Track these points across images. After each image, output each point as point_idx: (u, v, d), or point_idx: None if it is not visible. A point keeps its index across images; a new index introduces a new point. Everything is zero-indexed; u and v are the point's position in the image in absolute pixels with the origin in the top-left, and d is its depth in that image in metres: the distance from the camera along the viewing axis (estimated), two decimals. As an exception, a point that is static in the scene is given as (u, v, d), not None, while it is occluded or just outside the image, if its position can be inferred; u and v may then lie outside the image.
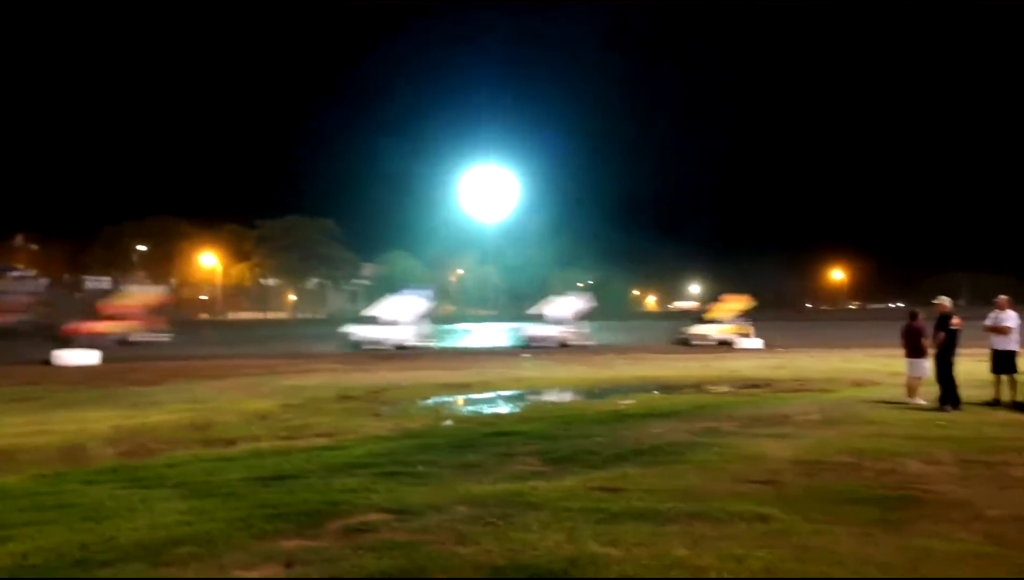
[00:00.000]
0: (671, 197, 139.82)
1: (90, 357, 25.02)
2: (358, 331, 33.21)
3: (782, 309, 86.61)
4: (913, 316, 12.85)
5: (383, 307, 34.89)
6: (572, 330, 35.84)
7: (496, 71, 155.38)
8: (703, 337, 35.31)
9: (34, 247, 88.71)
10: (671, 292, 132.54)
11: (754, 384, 16.92)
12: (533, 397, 15.39)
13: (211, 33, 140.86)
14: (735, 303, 37.80)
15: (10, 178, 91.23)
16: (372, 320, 34.08)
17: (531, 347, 33.69)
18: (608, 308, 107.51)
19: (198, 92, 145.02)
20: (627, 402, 13.55)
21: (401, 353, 30.37)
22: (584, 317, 37.42)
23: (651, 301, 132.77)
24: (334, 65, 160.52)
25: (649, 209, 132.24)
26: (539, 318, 37.04)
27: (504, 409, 13.54)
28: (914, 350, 12.64)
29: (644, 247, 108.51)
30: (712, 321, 36.46)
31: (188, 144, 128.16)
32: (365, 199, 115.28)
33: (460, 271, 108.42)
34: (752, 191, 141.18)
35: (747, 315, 37.78)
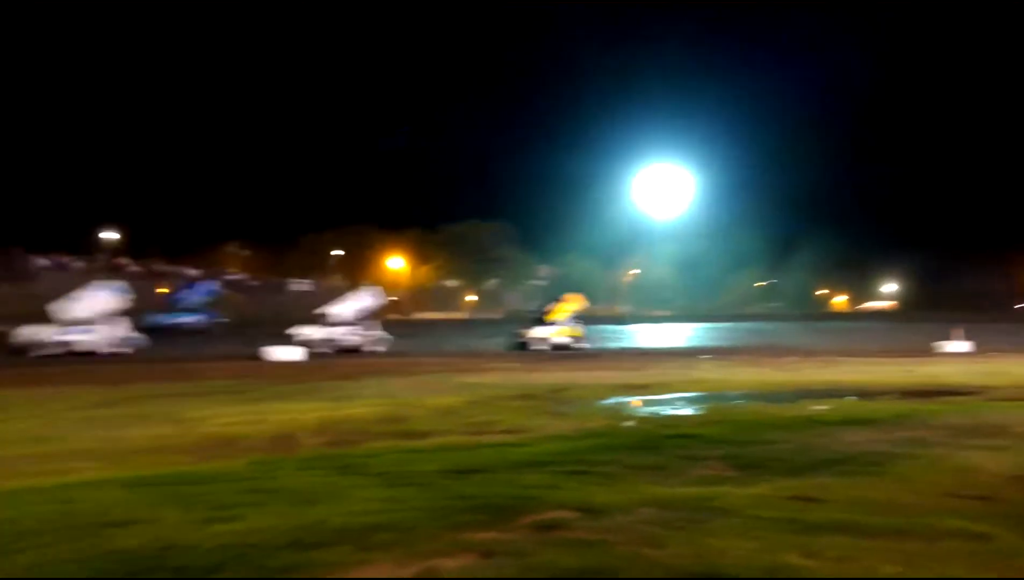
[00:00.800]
0: (863, 191, 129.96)
1: (294, 353, 27.21)
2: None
3: (989, 310, 78.49)
4: None
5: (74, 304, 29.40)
6: (356, 332, 31.77)
7: (671, 68, 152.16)
8: (540, 340, 32.90)
9: (245, 253, 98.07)
10: (863, 292, 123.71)
11: (963, 391, 15.49)
12: (715, 399, 14.93)
13: (396, 50, 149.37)
14: (571, 303, 34.97)
15: (228, 191, 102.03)
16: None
17: (311, 352, 28.61)
18: (787, 308, 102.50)
19: (390, 112, 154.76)
20: (818, 407, 12.87)
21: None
22: (373, 317, 33.21)
23: (840, 301, 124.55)
24: (509, 70, 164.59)
25: (838, 204, 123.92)
26: (323, 319, 32.08)
27: (685, 411, 13.29)
28: None
29: (832, 245, 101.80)
30: (550, 323, 33.77)
31: (379, 158, 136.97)
32: (541, 201, 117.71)
33: (635, 270, 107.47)
34: (954, 185, 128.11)
35: (581, 317, 35.08)
